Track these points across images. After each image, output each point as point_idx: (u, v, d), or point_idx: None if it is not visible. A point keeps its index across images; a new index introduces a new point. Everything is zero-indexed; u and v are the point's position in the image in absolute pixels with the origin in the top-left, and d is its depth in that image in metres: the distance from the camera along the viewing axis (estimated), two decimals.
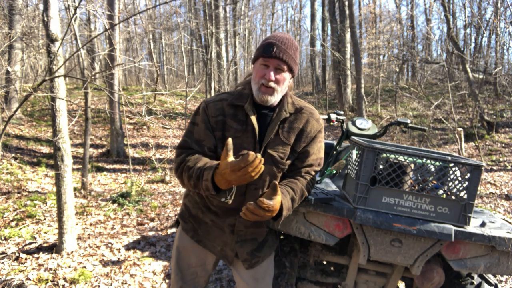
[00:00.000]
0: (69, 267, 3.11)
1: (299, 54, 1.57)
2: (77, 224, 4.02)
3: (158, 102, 12.80)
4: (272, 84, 1.48)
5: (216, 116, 1.53)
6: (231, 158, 1.27)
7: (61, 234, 3.30)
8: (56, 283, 2.86)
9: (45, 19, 3.08)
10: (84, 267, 3.13)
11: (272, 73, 1.46)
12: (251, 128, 1.52)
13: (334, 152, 2.78)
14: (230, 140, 1.26)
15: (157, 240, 3.87)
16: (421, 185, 1.64)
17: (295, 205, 1.50)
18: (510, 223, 1.89)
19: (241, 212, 1.31)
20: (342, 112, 2.81)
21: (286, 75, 1.50)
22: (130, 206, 4.77)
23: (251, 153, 1.21)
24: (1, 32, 7.76)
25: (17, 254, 3.23)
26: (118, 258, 3.38)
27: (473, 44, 15.22)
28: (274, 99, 1.52)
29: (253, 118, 1.52)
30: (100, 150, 8.12)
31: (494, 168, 7.26)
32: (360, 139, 1.84)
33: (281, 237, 2.13)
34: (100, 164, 6.95)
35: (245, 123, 1.53)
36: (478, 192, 2.54)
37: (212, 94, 10.42)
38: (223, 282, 3.06)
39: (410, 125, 2.68)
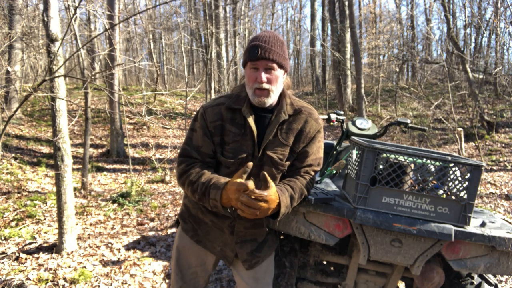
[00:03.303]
0: (69, 267, 3.11)
1: (287, 48, 1.56)
2: (77, 224, 4.02)
3: (158, 102, 12.80)
4: (265, 86, 1.47)
5: (214, 121, 1.53)
6: (244, 180, 1.32)
7: (61, 234, 3.30)
8: (56, 283, 2.86)
9: (45, 19, 3.08)
10: (84, 267, 3.13)
11: (262, 75, 1.46)
12: (249, 131, 1.52)
13: (334, 152, 2.78)
14: (250, 164, 1.32)
15: (157, 240, 3.87)
16: (421, 185, 1.64)
17: (294, 204, 1.50)
18: (510, 223, 1.89)
19: (238, 209, 1.33)
20: (342, 112, 2.81)
21: (278, 73, 1.49)
22: (130, 206, 4.77)
23: (251, 182, 1.31)
24: (1, 32, 7.76)
25: (17, 254, 3.23)
26: (118, 258, 3.38)
27: (473, 44, 15.22)
28: (271, 100, 1.52)
29: (251, 121, 1.52)
30: (100, 150, 8.12)
31: (494, 168, 7.25)
32: (360, 139, 1.84)
33: (281, 237, 2.13)
34: (100, 164, 6.95)
35: (243, 126, 1.53)
36: (478, 192, 2.54)
37: (212, 94, 10.42)
38: (223, 282, 3.06)
39: (410, 125, 2.68)
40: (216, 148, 1.55)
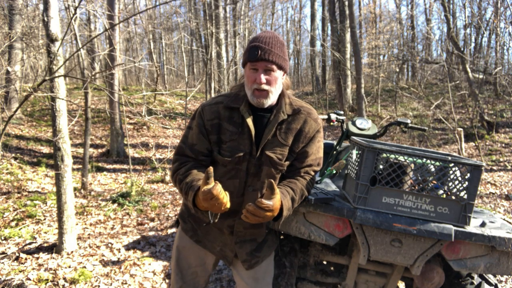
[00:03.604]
0: (69, 267, 3.11)
1: (287, 49, 1.56)
2: (77, 224, 4.02)
3: (158, 102, 12.80)
4: (264, 87, 1.47)
5: (212, 119, 1.53)
6: (210, 185, 1.28)
7: (61, 234, 3.30)
8: (56, 283, 2.86)
9: (45, 19, 3.08)
10: (84, 267, 3.13)
11: (262, 76, 1.46)
12: (247, 130, 1.52)
13: (334, 152, 2.78)
14: (211, 168, 1.28)
15: (157, 240, 3.87)
16: (421, 185, 1.64)
17: (295, 205, 1.50)
18: (510, 223, 1.89)
19: (242, 215, 1.33)
20: (342, 112, 2.81)
21: (277, 74, 1.49)
22: (130, 206, 4.77)
23: (217, 186, 1.27)
24: (1, 32, 7.76)
25: (17, 254, 3.23)
26: (118, 258, 3.38)
27: (473, 44, 15.23)
28: (270, 101, 1.52)
29: (249, 120, 1.51)
30: (100, 150, 8.12)
31: (494, 168, 7.25)
32: (360, 139, 1.84)
33: (281, 237, 2.13)
34: (100, 164, 6.95)
35: (241, 125, 1.53)
36: (478, 192, 2.54)
37: (212, 94, 10.42)
38: (223, 282, 3.06)
39: (410, 125, 2.68)
40: (213, 147, 1.55)
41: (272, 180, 1.32)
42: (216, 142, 1.54)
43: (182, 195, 1.48)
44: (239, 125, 1.53)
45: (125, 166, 7.00)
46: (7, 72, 7.42)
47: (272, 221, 1.45)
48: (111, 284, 2.93)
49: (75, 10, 3.59)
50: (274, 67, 1.47)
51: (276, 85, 1.50)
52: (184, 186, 1.44)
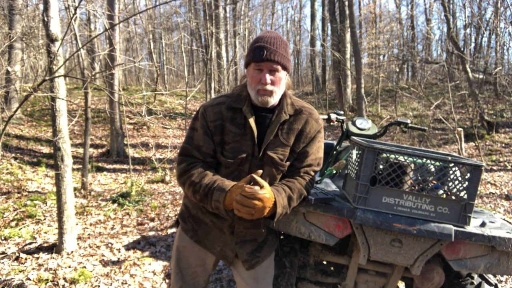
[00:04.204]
0: (69, 267, 3.11)
1: (289, 49, 1.57)
2: (77, 224, 4.02)
3: (158, 102, 12.80)
4: (269, 87, 1.47)
5: (215, 120, 1.53)
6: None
7: (61, 234, 3.30)
8: (56, 283, 2.86)
9: (45, 19, 3.08)
10: (84, 267, 3.13)
11: (267, 76, 1.46)
12: (249, 131, 1.52)
13: (334, 152, 2.78)
14: (260, 172, 1.38)
15: (157, 240, 3.87)
16: (421, 185, 1.64)
17: (293, 204, 1.50)
18: (510, 223, 1.89)
19: (235, 210, 1.35)
20: (342, 112, 2.80)
21: (281, 74, 1.49)
22: (130, 206, 4.77)
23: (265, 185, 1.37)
24: (1, 32, 7.76)
25: (17, 254, 3.23)
26: (118, 258, 3.38)
27: (473, 44, 15.23)
28: (273, 100, 1.52)
29: (252, 121, 1.51)
30: (100, 150, 8.12)
31: (494, 168, 7.25)
32: (360, 139, 1.84)
33: (281, 237, 2.13)
34: (100, 164, 6.95)
35: (244, 126, 1.53)
36: (478, 192, 2.54)
37: (212, 94, 10.42)
38: (223, 282, 3.06)
39: (410, 125, 2.68)
40: (216, 148, 1.55)
41: (253, 174, 1.36)
42: (219, 143, 1.54)
43: (196, 195, 1.48)
44: (241, 126, 1.53)
45: (125, 166, 7.00)
46: (7, 72, 7.42)
47: (269, 219, 1.45)
48: (111, 284, 2.93)
49: (75, 10, 3.59)
50: (279, 67, 1.47)
51: (280, 86, 1.51)
52: (203, 187, 1.44)
